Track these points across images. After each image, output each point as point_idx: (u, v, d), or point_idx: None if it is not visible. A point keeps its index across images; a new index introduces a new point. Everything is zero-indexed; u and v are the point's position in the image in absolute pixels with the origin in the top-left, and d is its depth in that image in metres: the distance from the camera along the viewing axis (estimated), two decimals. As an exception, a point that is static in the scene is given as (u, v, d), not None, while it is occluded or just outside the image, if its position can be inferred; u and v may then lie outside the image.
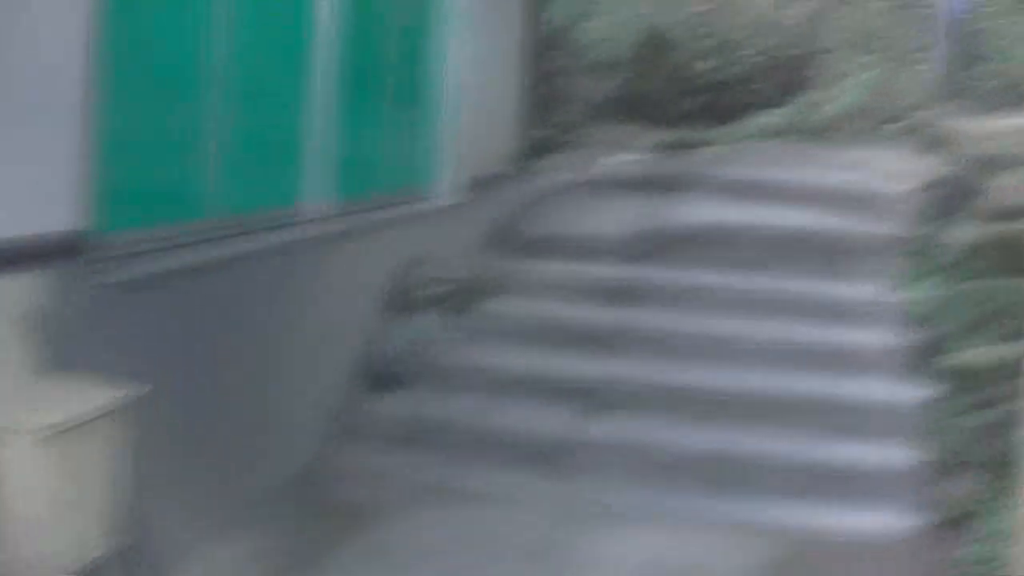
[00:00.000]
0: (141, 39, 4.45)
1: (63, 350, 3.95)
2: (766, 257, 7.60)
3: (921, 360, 6.56)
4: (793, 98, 10.70)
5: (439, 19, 7.77)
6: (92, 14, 4.00)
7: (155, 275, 4.48)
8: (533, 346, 6.99)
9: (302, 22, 5.85)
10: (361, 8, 6.47)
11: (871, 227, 7.74)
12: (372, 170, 6.90)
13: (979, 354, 6.36)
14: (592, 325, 7.12)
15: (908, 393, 6.36)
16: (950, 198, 7.71)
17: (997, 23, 10.46)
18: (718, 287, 7.35)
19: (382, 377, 6.63)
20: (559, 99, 10.71)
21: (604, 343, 6.95)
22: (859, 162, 8.97)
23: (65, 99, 3.95)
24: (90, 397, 3.84)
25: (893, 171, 8.58)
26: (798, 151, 9.70)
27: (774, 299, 7.20)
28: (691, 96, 10.75)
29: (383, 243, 6.77)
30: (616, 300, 7.34)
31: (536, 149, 9.79)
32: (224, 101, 4.99)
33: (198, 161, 4.91)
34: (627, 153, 10.04)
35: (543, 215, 8.45)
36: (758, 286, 7.33)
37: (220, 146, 4.99)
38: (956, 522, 5.49)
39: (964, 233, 7.24)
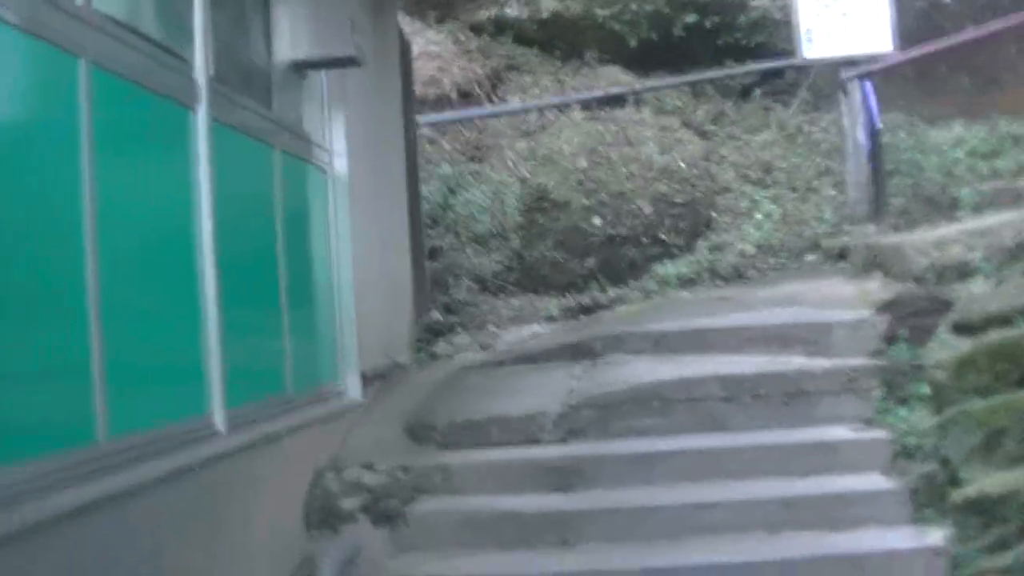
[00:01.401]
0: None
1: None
2: (722, 412, 6.80)
3: (924, 499, 5.79)
4: (698, 243, 9.99)
5: (323, 205, 6.97)
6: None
7: (39, 523, 3.52)
8: (478, 548, 6.02)
9: (182, 227, 5.03)
10: (241, 204, 5.70)
11: (830, 362, 6.91)
12: (271, 375, 6.01)
13: (995, 482, 5.54)
14: (540, 515, 6.15)
15: (915, 541, 5.60)
16: (913, 316, 6.92)
17: (897, 137, 10.01)
18: (675, 453, 6.50)
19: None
20: (449, 277, 9.85)
21: (557, 534, 6.03)
22: (793, 296, 8.21)
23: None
24: None
25: (833, 299, 7.85)
26: (720, 296, 8.89)
27: (742, 457, 6.38)
28: (588, 256, 9.94)
29: (294, 452, 5.89)
30: (563, 484, 6.40)
31: (433, 332, 8.88)
32: (102, 314, 4.11)
33: (79, 382, 4.02)
34: (531, 325, 9.18)
35: (458, 401, 7.41)
36: (721, 445, 6.53)
37: (103, 364, 4.10)
38: None
39: (946, 350, 6.41)
